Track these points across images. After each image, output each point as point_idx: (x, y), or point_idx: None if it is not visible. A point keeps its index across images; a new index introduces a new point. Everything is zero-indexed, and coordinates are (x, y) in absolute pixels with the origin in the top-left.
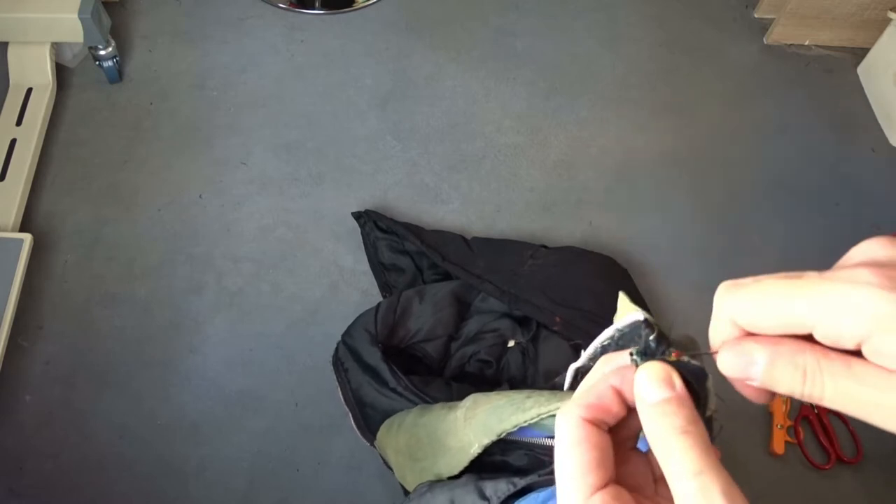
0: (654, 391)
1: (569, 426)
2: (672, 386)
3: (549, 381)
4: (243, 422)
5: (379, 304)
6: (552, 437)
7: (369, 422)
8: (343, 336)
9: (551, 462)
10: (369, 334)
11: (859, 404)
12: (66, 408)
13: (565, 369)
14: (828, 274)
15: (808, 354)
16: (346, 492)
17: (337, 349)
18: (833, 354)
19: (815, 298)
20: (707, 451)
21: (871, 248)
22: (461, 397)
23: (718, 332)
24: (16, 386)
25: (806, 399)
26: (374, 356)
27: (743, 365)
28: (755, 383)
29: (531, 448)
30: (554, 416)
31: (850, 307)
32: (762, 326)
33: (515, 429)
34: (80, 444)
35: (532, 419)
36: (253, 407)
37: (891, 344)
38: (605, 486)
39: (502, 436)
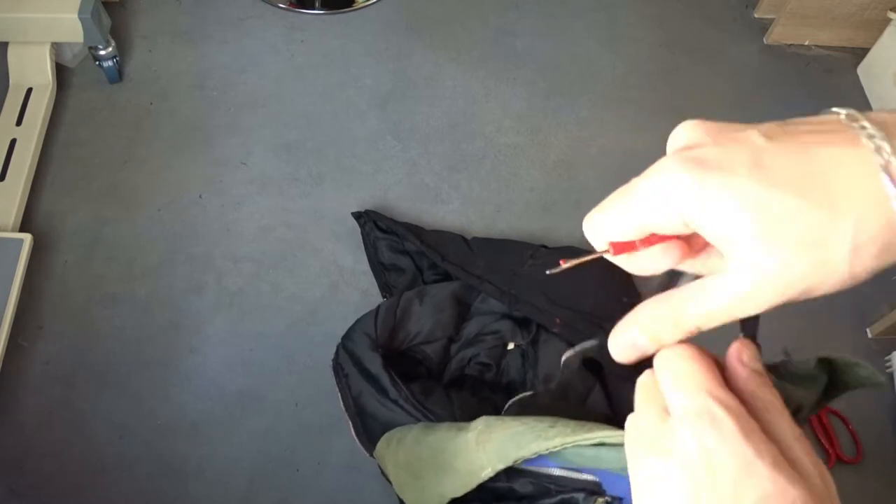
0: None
1: (686, 347)
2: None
3: (548, 385)
4: (243, 422)
5: (379, 307)
6: (566, 468)
7: (369, 432)
8: (343, 340)
9: (557, 492)
10: (369, 339)
11: (725, 304)
12: (66, 408)
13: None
14: (644, 174)
15: (666, 305)
16: (346, 492)
17: (337, 353)
18: (684, 288)
19: (640, 204)
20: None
21: (680, 134)
22: (462, 409)
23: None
24: (16, 386)
25: (694, 332)
26: (374, 363)
27: (631, 349)
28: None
29: (537, 476)
30: (578, 446)
31: (663, 201)
32: (625, 237)
33: (535, 456)
34: (80, 444)
35: (555, 448)
36: (253, 407)
37: (702, 218)
38: None
39: (518, 462)
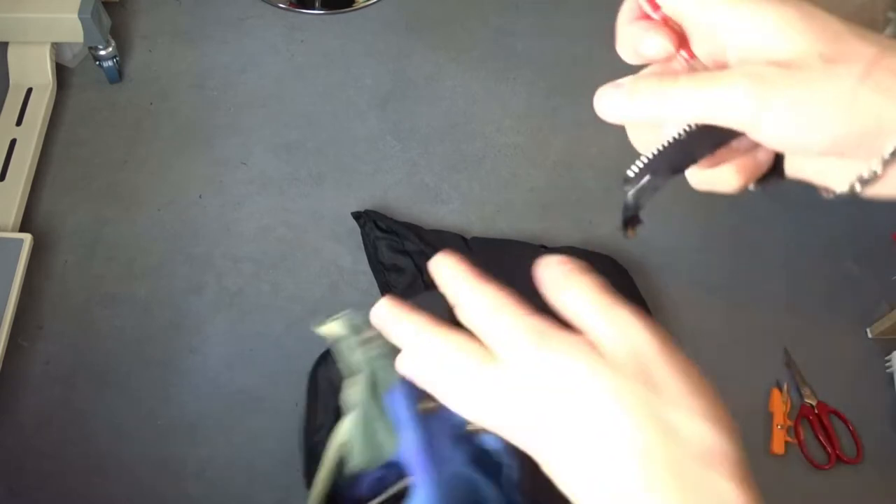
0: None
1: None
2: None
3: None
4: (243, 422)
5: None
6: None
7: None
8: (323, 361)
9: None
10: None
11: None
12: (66, 408)
13: None
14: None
15: (667, 80)
16: None
17: (316, 375)
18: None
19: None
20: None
21: None
22: None
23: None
24: (16, 386)
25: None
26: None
27: (616, 97)
28: (629, 105)
29: None
30: None
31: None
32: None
33: None
34: (80, 444)
35: None
36: (253, 407)
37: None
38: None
39: None
